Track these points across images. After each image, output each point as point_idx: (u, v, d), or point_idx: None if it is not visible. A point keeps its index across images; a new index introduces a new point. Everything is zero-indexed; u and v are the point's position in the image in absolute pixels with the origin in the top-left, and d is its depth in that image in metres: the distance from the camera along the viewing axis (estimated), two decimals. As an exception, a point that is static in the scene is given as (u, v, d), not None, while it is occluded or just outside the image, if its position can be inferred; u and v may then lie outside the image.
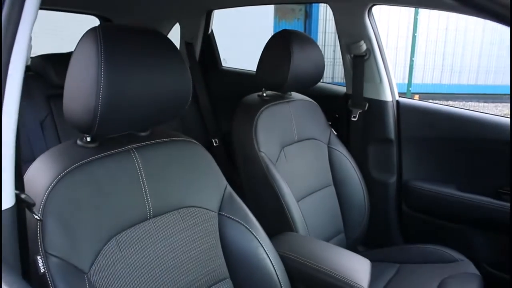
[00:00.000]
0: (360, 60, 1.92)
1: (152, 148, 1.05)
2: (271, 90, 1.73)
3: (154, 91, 0.93)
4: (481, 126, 1.77)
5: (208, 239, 1.11)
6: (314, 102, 1.87)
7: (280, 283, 1.14)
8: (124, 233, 0.96)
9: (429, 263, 1.67)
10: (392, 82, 1.94)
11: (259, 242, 1.15)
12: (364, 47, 1.88)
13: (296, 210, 1.56)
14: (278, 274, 1.15)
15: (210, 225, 1.12)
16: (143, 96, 0.92)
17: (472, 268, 1.61)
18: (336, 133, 1.91)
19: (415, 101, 1.99)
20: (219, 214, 1.15)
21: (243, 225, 1.16)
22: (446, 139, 1.85)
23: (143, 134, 1.07)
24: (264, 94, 1.73)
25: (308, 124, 1.80)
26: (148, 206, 1.01)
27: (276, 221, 1.54)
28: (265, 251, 1.15)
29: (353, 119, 1.99)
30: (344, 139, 2.01)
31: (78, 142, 1.00)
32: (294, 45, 1.60)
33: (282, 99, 1.74)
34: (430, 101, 2.09)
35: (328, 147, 1.85)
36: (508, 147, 1.67)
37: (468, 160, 1.81)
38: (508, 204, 1.67)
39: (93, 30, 0.88)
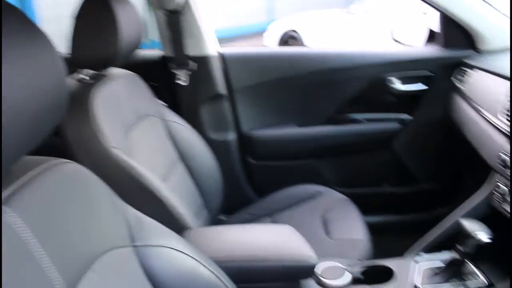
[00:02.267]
0: (175, 16, 1.68)
1: (28, 192, 0.66)
2: (94, 69, 1.36)
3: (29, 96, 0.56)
4: (305, 60, 1.81)
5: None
6: (135, 74, 1.57)
7: None
8: None
9: (298, 204, 1.67)
10: (211, 34, 1.78)
11: (195, 259, 0.90)
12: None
13: (177, 201, 1.31)
14: None
15: (131, 267, 0.81)
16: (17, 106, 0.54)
17: (338, 195, 1.68)
18: (164, 104, 1.67)
19: (239, 50, 1.90)
20: (133, 247, 0.84)
21: (168, 247, 0.88)
22: (276, 81, 1.84)
23: None
24: (85, 76, 1.35)
25: (139, 101, 1.51)
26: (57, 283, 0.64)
27: (162, 223, 1.27)
28: (207, 267, 0.91)
29: (180, 82, 1.76)
30: (171, 107, 1.79)
31: None
32: (116, 7, 1.25)
33: (105, 78, 1.39)
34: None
35: (164, 120, 1.60)
36: (333, 74, 1.76)
37: (301, 96, 1.85)
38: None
39: None
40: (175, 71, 1.77)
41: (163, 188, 1.28)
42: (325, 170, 1.91)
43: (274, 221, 1.62)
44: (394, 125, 1.89)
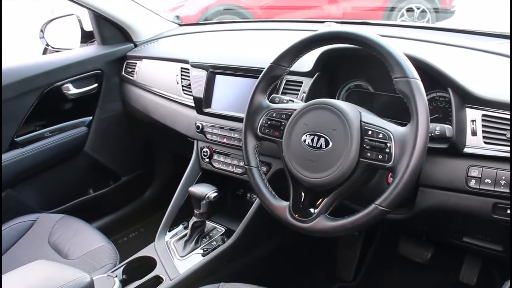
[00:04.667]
0: None
1: None
2: None
3: None
4: None
5: None
6: None
7: None
8: None
9: (15, 242, 1.47)
10: None
11: None
12: None
13: None
14: None
15: None
16: None
17: (53, 216, 1.57)
18: None
19: None
20: None
21: None
22: None
23: None
24: None
25: None
26: None
27: None
28: None
29: None
30: None
31: None
32: None
33: None
34: None
35: None
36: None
37: None
38: None
39: None
40: None
41: None
42: (28, 196, 1.72)
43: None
44: (81, 130, 1.86)
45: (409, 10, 4.39)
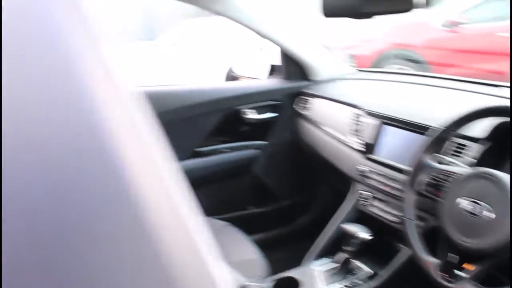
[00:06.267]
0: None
1: None
2: None
3: None
4: (167, 98, 1.92)
5: None
6: None
7: None
8: None
9: None
10: None
11: None
12: None
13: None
14: None
15: None
16: None
17: (218, 221, 1.80)
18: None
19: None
20: None
21: None
22: None
23: None
24: None
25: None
26: None
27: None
28: None
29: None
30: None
31: None
32: None
33: None
34: None
35: None
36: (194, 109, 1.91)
37: (164, 133, 1.91)
38: None
39: None
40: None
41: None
42: (199, 201, 2.00)
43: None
44: (253, 152, 2.11)
45: None
